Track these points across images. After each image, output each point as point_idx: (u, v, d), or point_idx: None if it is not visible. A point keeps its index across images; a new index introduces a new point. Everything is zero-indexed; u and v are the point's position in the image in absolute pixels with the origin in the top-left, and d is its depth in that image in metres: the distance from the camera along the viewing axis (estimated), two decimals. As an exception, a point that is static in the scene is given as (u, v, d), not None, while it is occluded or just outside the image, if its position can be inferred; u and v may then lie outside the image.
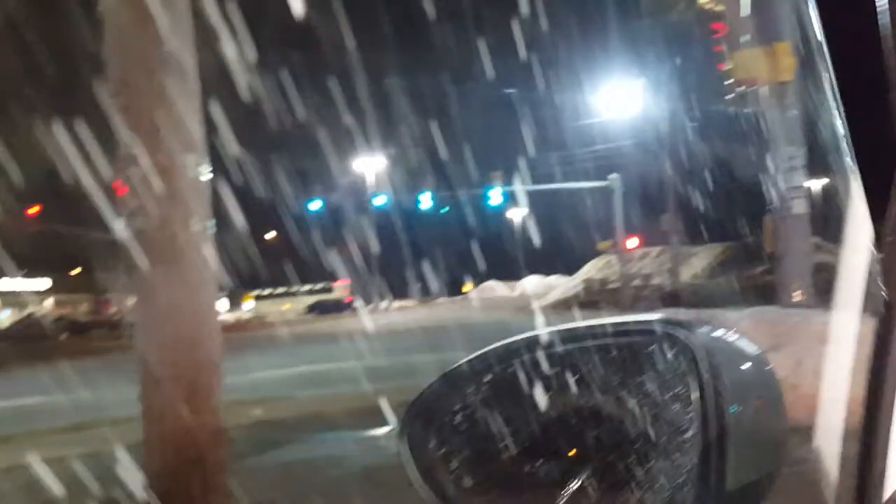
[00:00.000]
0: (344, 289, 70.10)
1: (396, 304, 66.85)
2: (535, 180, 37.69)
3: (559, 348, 0.65)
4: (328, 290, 68.80)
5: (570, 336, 0.65)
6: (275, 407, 9.27)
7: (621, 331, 0.63)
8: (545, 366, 0.65)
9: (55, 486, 5.72)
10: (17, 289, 63.98)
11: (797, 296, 8.89)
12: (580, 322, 0.65)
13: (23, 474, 6.23)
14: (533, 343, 0.66)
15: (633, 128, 32.33)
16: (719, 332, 0.62)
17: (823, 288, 9.44)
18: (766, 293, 9.16)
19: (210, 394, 3.60)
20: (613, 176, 32.00)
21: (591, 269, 44.55)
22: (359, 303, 64.13)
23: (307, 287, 69.79)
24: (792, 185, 9.01)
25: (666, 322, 0.61)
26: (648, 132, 29.62)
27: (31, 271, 65.10)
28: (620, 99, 32.02)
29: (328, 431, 7.38)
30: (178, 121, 3.56)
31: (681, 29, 26.09)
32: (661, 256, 39.77)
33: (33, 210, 32.67)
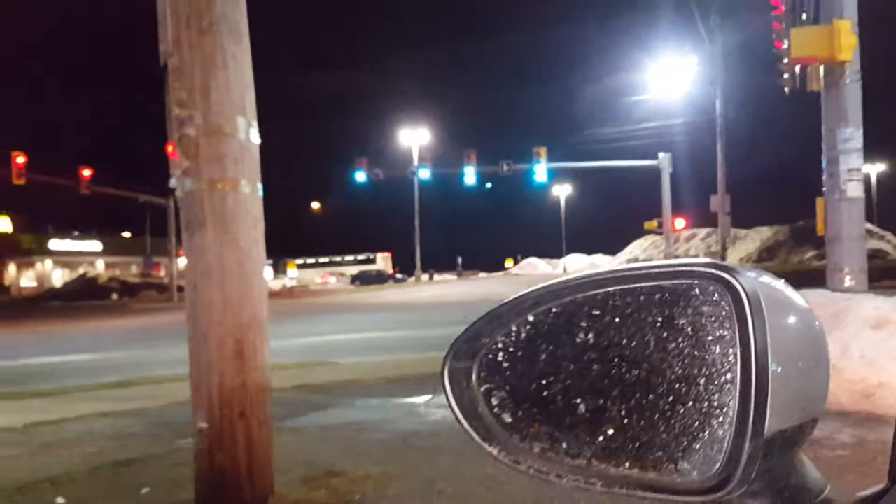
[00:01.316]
0: (386, 260, 70.72)
1: (437, 277, 67.29)
2: (582, 157, 37.31)
3: (604, 290, 0.66)
4: (371, 260, 69.50)
5: (615, 278, 0.65)
6: (316, 372, 9.43)
7: (667, 273, 0.64)
8: (589, 306, 0.66)
9: (108, 437, 5.95)
10: (71, 249, 65.98)
11: (848, 281, 8.68)
12: (626, 265, 0.66)
13: (78, 426, 6.48)
14: (577, 284, 0.67)
15: (683, 106, 31.68)
16: (767, 279, 0.62)
17: (875, 275, 9.19)
18: (816, 278, 8.95)
19: (256, 353, 3.68)
20: (663, 155, 31.45)
21: (635, 249, 44.18)
22: (400, 275, 64.70)
23: (350, 257, 70.61)
24: (848, 166, 8.75)
25: (712, 264, 0.61)
26: (699, 111, 28.99)
27: (84, 233, 67.14)
28: (671, 76, 31.36)
29: (368, 398, 7.50)
30: (230, 82, 3.61)
31: (736, 4, 25.36)
32: (708, 238, 39.18)
33: (87, 172, 33.46)
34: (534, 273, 70.33)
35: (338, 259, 71.18)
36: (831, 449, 4.39)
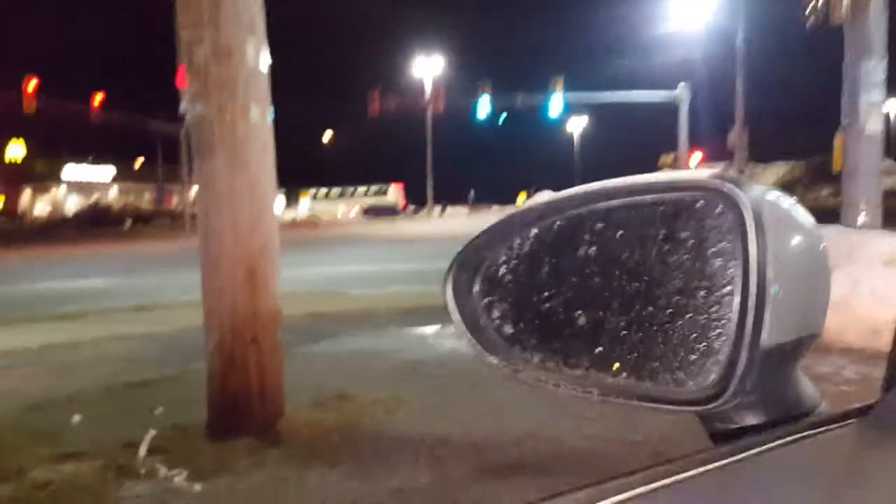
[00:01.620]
0: (398, 191, 70.57)
1: (450, 209, 67.20)
2: (599, 89, 36.66)
3: (607, 203, 0.65)
4: (383, 192, 69.36)
5: (619, 191, 0.65)
6: (326, 302, 9.54)
7: (672, 186, 0.63)
8: (592, 220, 0.66)
9: (122, 359, 6.09)
10: (84, 177, 66.19)
11: (863, 217, 8.59)
12: (631, 177, 0.65)
13: (93, 348, 6.62)
14: (581, 197, 0.67)
15: (702, 38, 30.90)
16: (773, 195, 0.62)
17: (891, 213, 9.10)
18: (831, 215, 8.85)
19: (267, 280, 3.72)
20: (682, 85, 30.86)
21: (649, 184, 43.87)
22: (412, 207, 64.65)
23: (363, 189, 70.46)
24: (869, 100, 8.56)
25: (718, 177, 0.61)
26: (718, 43, 28.30)
27: (97, 160, 67.21)
28: (692, 6, 30.48)
29: (378, 327, 7.61)
30: (238, 4, 3.54)
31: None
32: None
33: (99, 98, 33.27)
34: (546, 207, 69.77)
35: (350, 189, 71.05)
36: (835, 384, 4.43)
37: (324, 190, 69.86)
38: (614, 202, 0.64)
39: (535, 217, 0.68)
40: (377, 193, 68.54)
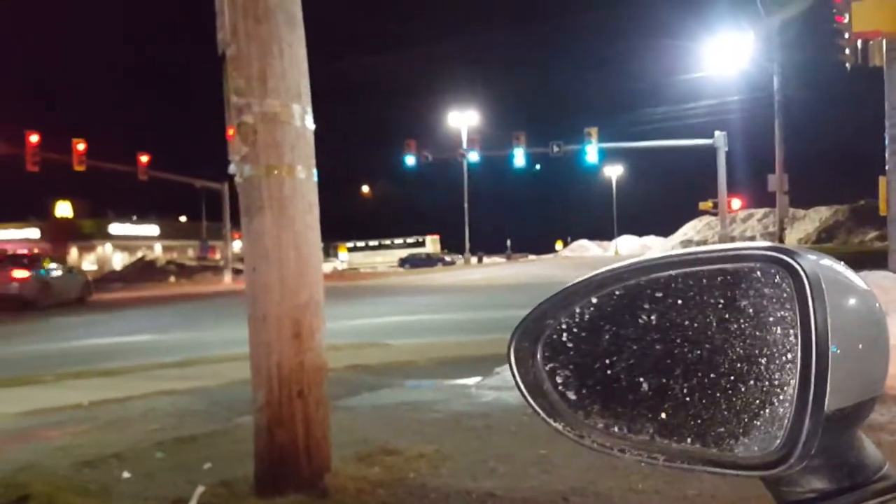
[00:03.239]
0: (435, 243, 70.96)
1: (486, 259, 67.26)
2: (634, 137, 36.78)
3: (667, 272, 0.68)
4: (420, 243, 69.86)
5: (678, 261, 0.68)
6: (368, 353, 9.57)
7: (729, 256, 0.66)
8: (651, 289, 0.68)
9: (169, 414, 6.16)
10: (130, 234, 67.95)
11: (911, 262, 8.42)
12: (687, 249, 0.68)
13: (140, 403, 6.72)
14: (641, 267, 0.70)
15: (739, 83, 30.91)
16: (828, 261, 0.64)
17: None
18: (877, 259, 8.68)
19: (313, 333, 3.77)
20: (719, 133, 30.78)
21: (689, 230, 43.39)
22: (449, 257, 64.88)
23: (399, 240, 71.08)
24: (912, 144, 8.47)
25: (774, 248, 0.63)
26: (756, 88, 28.25)
27: (142, 217, 69.05)
28: (726, 52, 30.57)
29: (419, 378, 7.60)
30: (286, 70, 3.68)
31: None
32: (765, 219, 38.28)
33: (144, 158, 34.33)
34: (584, 255, 69.79)
35: (387, 242, 71.69)
36: (891, 434, 4.31)
37: (362, 242, 70.59)
38: (673, 272, 0.67)
39: (595, 286, 0.71)
40: (414, 245, 69.10)
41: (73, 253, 62.12)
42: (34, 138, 29.47)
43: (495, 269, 43.27)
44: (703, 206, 33.36)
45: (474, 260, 61.01)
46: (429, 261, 60.85)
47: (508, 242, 75.76)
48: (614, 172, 75.92)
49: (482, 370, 7.31)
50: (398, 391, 6.89)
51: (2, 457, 4.79)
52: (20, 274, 22.72)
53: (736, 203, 34.11)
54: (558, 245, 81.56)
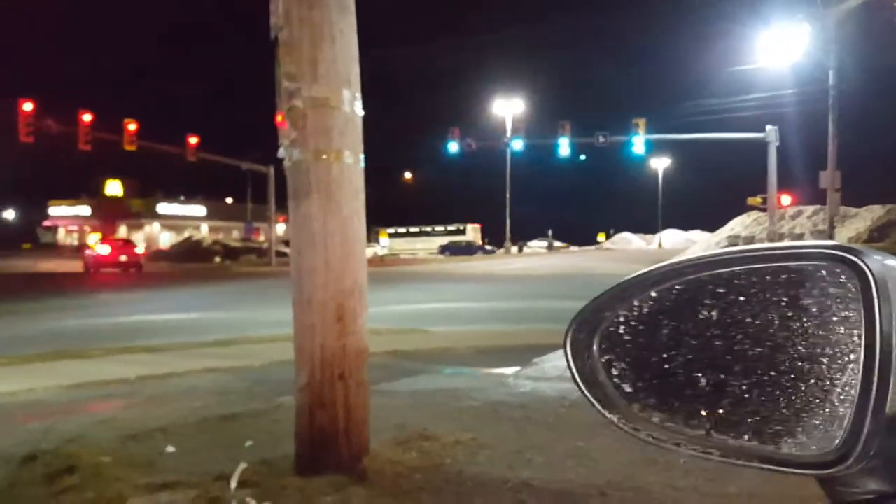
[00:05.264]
0: (476, 231, 70.88)
1: (527, 249, 66.93)
2: (682, 129, 36.17)
3: (729, 269, 0.67)
4: (461, 231, 69.85)
5: (739, 258, 0.67)
6: (408, 339, 9.64)
7: (792, 254, 0.65)
8: (713, 285, 0.68)
9: (212, 392, 6.29)
10: (177, 213, 69.32)
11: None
12: (751, 245, 0.67)
13: (184, 381, 6.88)
14: (702, 263, 0.69)
15: (792, 76, 30.14)
16: (893, 261, 0.63)
17: None
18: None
19: (356, 317, 3.81)
20: (770, 128, 30.08)
21: (736, 225, 42.53)
22: (489, 246, 64.78)
23: (440, 228, 71.16)
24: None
25: (840, 247, 0.62)
26: (809, 82, 27.53)
27: (190, 198, 70.33)
28: (780, 44, 29.78)
29: (458, 366, 7.63)
30: (337, 56, 3.71)
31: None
32: (815, 216, 37.37)
33: (193, 140, 34.90)
34: (626, 248, 68.99)
35: (428, 229, 71.84)
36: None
37: (403, 229, 70.89)
38: (736, 268, 0.67)
39: (655, 280, 0.71)
40: (455, 233, 69.14)
41: (122, 230, 63.62)
42: (87, 118, 30.22)
43: (536, 260, 43.07)
44: (751, 201, 32.71)
45: (514, 249, 60.80)
46: (469, 249, 60.84)
47: (550, 232, 75.37)
48: (661, 164, 74.88)
49: (521, 360, 7.30)
50: (437, 378, 6.93)
51: (51, 428, 4.94)
52: (139, 251, 41.19)
53: (785, 199, 33.40)
54: (600, 237, 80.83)
